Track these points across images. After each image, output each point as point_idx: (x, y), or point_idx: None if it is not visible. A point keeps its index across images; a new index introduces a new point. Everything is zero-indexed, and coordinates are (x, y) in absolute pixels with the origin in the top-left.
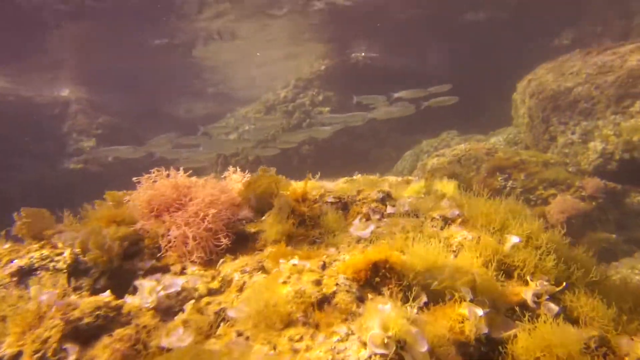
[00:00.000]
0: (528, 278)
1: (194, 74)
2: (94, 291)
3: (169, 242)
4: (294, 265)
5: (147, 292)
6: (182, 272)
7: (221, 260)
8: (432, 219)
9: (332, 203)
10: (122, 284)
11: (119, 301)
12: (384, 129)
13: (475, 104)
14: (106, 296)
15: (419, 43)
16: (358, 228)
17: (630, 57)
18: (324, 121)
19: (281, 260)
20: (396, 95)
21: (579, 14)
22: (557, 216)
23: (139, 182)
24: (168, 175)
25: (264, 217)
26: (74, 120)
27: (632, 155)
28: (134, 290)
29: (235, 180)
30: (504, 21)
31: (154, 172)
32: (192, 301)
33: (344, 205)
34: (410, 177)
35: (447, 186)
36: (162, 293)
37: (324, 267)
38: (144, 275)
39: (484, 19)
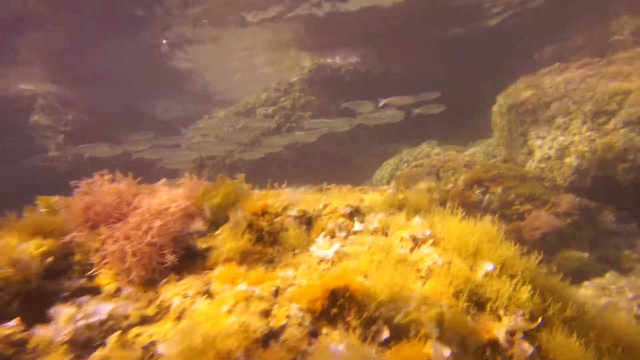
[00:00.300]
0: (501, 312)
1: (173, 74)
2: (2, 318)
3: (104, 257)
4: (242, 291)
5: (64, 321)
6: (116, 293)
7: (164, 280)
8: (402, 238)
9: (295, 217)
10: (42, 308)
11: (25, 333)
12: (365, 136)
13: (456, 115)
14: (11, 326)
15: (402, 51)
16: (321, 247)
17: (607, 75)
18: (310, 125)
19: (225, 286)
20: (384, 101)
21: (560, 28)
22: (532, 232)
23: (77, 186)
24: (113, 180)
25: (218, 231)
26: (40, 116)
27: (606, 172)
28: (49, 319)
29: (191, 187)
30: (486, 33)
31: (96, 176)
32: (118, 332)
33: (308, 220)
34: (384, 189)
35: (422, 200)
36: (82, 322)
37: (276, 293)
38: (70, 297)
39: (467, 31)
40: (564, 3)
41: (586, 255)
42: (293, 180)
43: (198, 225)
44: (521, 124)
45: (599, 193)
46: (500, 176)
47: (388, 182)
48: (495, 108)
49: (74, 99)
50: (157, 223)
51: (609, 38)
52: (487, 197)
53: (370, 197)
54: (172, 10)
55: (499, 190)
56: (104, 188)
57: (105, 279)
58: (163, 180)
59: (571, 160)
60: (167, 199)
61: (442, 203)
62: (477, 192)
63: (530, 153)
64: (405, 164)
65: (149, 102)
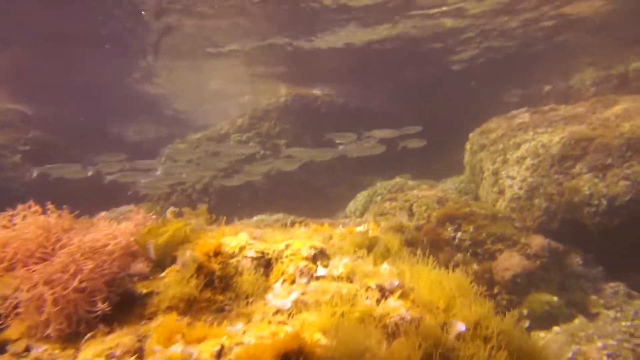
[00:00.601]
0: None
1: (145, 97)
2: None
3: (15, 307)
4: (177, 354)
5: None
6: (23, 353)
7: (89, 335)
8: (368, 288)
9: (253, 259)
10: None
11: None
12: (339, 167)
13: (430, 150)
14: None
15: (378, 87)
16: (278, 295)
17: (572, 121)
18: (291, 154)
19: (155, 348)
20: (368, 134)
21: (527, 76)
22: (503, 273)
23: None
24: (42, 212)
25: (163, 274)
26: None
27: (573, 215)
28: None
29: (138, 222)
30: (458, 73)
31: (20, 208)
32: None
33: (267, 262)
34: (354, 226)
35: (392, 241)
36: None
37: (219, 354)
38: None
39: (440, 71)
40: (532, 54)
41: (555, 298)
42: (266, 209)
43: (140, 266)
44: (492, 163)
45: (566, 235)
46: (472, 214)
47: (361, 214)
48: (467, 145)
49: (38, 118)
50: (89, 265)
51: (571, 87)
52: (459, 234)
53: (339, 235)
54: (143, 38)
55: (471, 228)
56: (27, 221)
57: (16, 332)
58: (103, 213)
59: (540, 201)
60: (105, 235)
61: (414, 243)
62: (449, 229)
63: (501, 192)
64: (379, 197)
65: (119, 123)
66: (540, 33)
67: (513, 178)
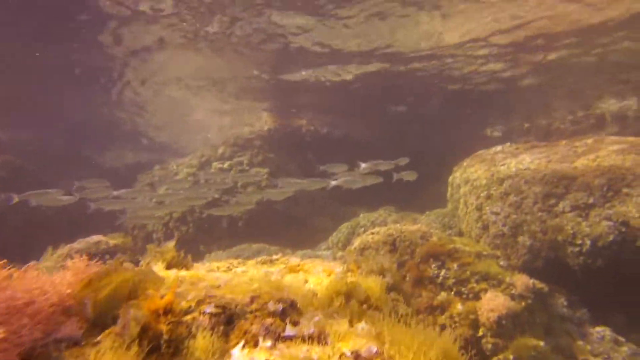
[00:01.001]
0: None
1: (124, 123)
2: None
3: None
4: None
5: None
6: None
7: None
8: (342, 355)
9: (211, 315)
10: None
11: None
12: (321, 197)
13: (414, 182)
14: None
15: (361, 118)
16: None
17: (554, 157)
18: (283, 184)
19: None
20: (364, 165)
21: (509, 112)
22: (488, 314)
23: None
24: None
25: (99, 337)
26: None
27: (557, 254)
28: None
29: (77, 271)
30: (441, 106)
31: None
32: None
33: (228, 319)
34: (332, 267)
35: (374, 288)
36: None
37: None
38: None
39: (423, 104)
40: (514, 93)
41: (542, 343)
42: (246, 239)
43: (71, 328)
44: (476, 198)
45: (551, 274)
46: (456, 251)
47: (344, 246)
48: (450, 179)
49: (10, 142)
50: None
51: (551, 125)
52: (443, 272)
53: (315, 279)
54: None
55: (455, 266)
56: None
57: None
58: (32, 263)
59: (524, 239)
60: (28, 290)
61: (397, 287)
62: (433, 266)
63: (485, 227)
64: (362, 229)
65: (96, 148)
66: (522, 77)
67: (497, 214)
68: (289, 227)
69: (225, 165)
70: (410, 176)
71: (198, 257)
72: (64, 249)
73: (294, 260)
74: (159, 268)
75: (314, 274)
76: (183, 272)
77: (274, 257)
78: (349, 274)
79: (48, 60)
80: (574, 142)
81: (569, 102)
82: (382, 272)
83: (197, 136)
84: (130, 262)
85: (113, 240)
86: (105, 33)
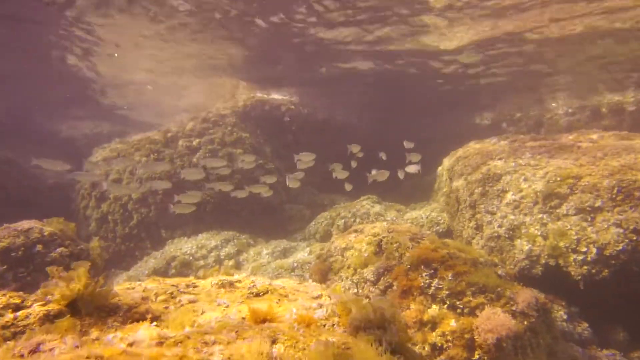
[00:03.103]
0: None
1: (84, 83)
2: None
3: None
4: None
5: None
6: None
7: None
8: None
9: None
10: None
11: None
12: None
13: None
14: None
15: (348, 99)
16: None
17: (557, 154)
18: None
19: None
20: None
21: (499, 99)
22: (486, 335)
23: None
24: None
25: None
26: None
27: (558, 261)
28: None
29: None
30: (430, 93)
31: None
32: None
33: None
34: (311, 314)
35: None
36: None
37: None
38: None
39: (412, 89)
40: (508, 82)
41: None
42: (214, 225)
43: None
44: (470, 194)
45: (548, 283)
46: (450, 257)
47: (322, 238)
48: (440, 170)
49: None
50: None
51: (544, 115)
52: (435, 282)
53: (288, 336)
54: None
55: (449, 275)
56: None
57: None
58: None
59: (522, 243)
60: None
61: (400, 349)
62: (424, 274)
63: (479, 228)
64: (342, 220)
65: (50, 115)
66: (513, 64)
67: (492, 213)
68: (262, 214)
69: (194, 142)
70: (381, 176)
71: (159, 243)
72: None
73: (261, 282)
74: (56, 305)
75: (287, 323)
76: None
77: (236, 277)
78: (334, 325)
79: None
80: (578, 136)
81: (563, 92)
82: (381, 325)
83: (168, 108)
84: (69, 256)
85: (49, 227)
86: None
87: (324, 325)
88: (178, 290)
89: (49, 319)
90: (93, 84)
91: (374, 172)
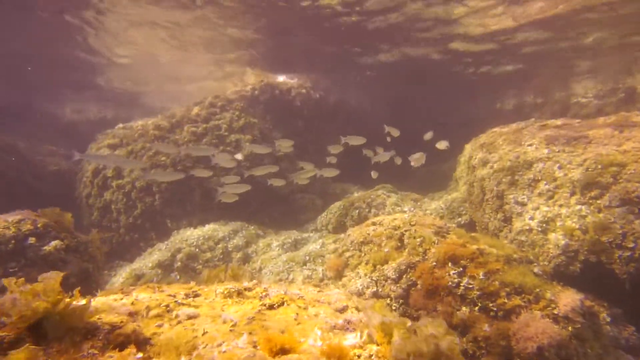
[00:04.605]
0: None
1: (90, 66)
2: None
3: None
4: None
5: None
6: None
7: None
8: None
9: None
10: None
11: None
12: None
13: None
14: None
15: (363, 83)
16: None
17: (595, 139)
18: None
19: None
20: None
21: (523, 83)
22: (525, 343)
23: None
24: None
25: None
26: None
27: (600, 258)
28: None
29: None
30: (449, 77)
31: None
32: None
33: None
34: (340, 343)
35: None
36: None
37: None
38: None
39: (430, 73)
40: (531, 66)
41: None
42: (221, 215)
43: None
44: (497, 183)
45: (587, 282)
46: (480, 254)
47: (335, 229)
48: (462, 158)
49: None
50: None
51: (569, 99)
52: (464, 281)
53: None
54: None
55: (480, 274)
56: None
57: None
58: None
59: (557, 237)
60: None
61: None
62: (451, 272)
63: (507, 220)
64: (357, 211)
65: (53, 98)
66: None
67: (523, 204)
68: (272, 204)
69: (200, 128)
70: (397, 160)
71: (164, 234)
72: None
73: (275, 291)
74: (12, 330)
75: (310, 355)
76: None
77: (245, 284)
78: (373, 352)
79: None
80: (618, 119)
81: (592, 74)
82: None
83: (174, 92)
84: (65, 250)
85: (43, 218)
86: None
87: (359, 358)
88: (175, 301)
89: (1, 348)
90: (97, 62)
91: (379, 153)
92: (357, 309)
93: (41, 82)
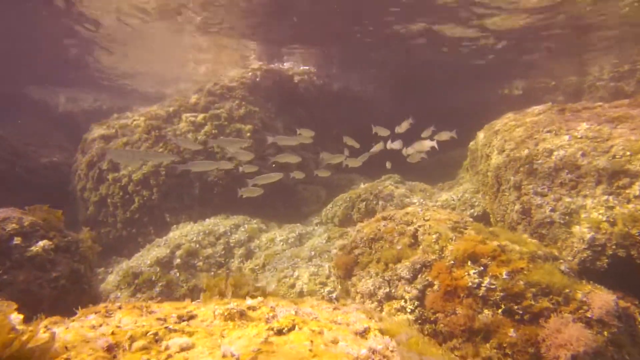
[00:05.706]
0: None
1: (86, 50)
2: None
3: None
4: None
5: None
6: None
7: None
8: None
9: None
10: None
11: None
12: (313, 162)
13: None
14: None
15: (367, 68)
16: None
17: (620, 124)
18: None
19: None
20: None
21: (531, 67)
22: (557, 351)
23: None
24: None
25: None
26: None
27: (630, 252)
28: None
29: None
30: (455, 63)
31: None
32: None
33: None
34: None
35: None
36: None
37: None
38: None
39: (435, 59)
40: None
41: None
42: (222, 208)
43: None
44: (514, 173)
45: (614, 277)
46: (502, 251)
47: (340, 222)
48: (473, 146)
49: None
50: None
51: (584, 82)
52: (486, 281)
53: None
54: None
55: (503, 273)
56: None
57: None
58: None
59: (582, 230)
60: None
61: None
62: (471, 272)
63: (526, 212)
64: (364, 203)
65: (46, 87)
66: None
67: (543, 195)
68: (275, 196)
69: (199, 118)
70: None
71: (163, 228)
72: None
73: (284, 312)
74: None
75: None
76: None
77: (249, 302)
78: None
79: None
80: None
81: (608, 54)
82: None
83: (171, 79)
84: (55, 250)
85: (30, 216)
86: None
87: None
88: (166, 327)
89: None
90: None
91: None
92: (380, 331)
93: (35, 71)
